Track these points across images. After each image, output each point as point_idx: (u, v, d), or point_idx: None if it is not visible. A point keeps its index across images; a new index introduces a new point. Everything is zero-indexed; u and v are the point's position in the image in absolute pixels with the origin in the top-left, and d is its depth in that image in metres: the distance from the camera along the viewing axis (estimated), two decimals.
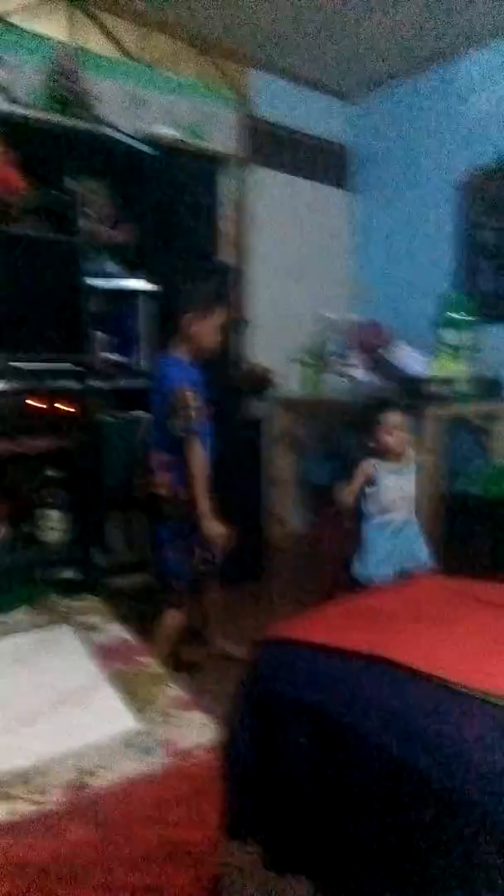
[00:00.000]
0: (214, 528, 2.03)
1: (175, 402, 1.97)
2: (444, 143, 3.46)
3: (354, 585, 2.25)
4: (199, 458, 2.00)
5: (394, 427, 2.32)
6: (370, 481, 2.37)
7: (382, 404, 2.43)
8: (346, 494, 2.38)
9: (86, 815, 0.82)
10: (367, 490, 2.37)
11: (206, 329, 2.06)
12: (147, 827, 0.88)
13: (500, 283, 3.27)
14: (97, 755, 0.87)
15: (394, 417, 2.33)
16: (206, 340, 2.08)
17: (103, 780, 0.84)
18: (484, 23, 3.09)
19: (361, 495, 2.38)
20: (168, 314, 2.13)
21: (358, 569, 2.33)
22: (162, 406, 2.03)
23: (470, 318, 3.03)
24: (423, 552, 2.34)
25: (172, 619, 2.12)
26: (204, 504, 2.01)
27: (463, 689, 1.19)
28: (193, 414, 1.97)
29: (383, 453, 2.35)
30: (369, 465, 2.37)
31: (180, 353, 2.09)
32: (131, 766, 0.86)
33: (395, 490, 2.35)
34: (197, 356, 2.10)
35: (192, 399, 1.97)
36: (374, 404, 2.45)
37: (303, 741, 1.31)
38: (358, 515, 2.41)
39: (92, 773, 0.84)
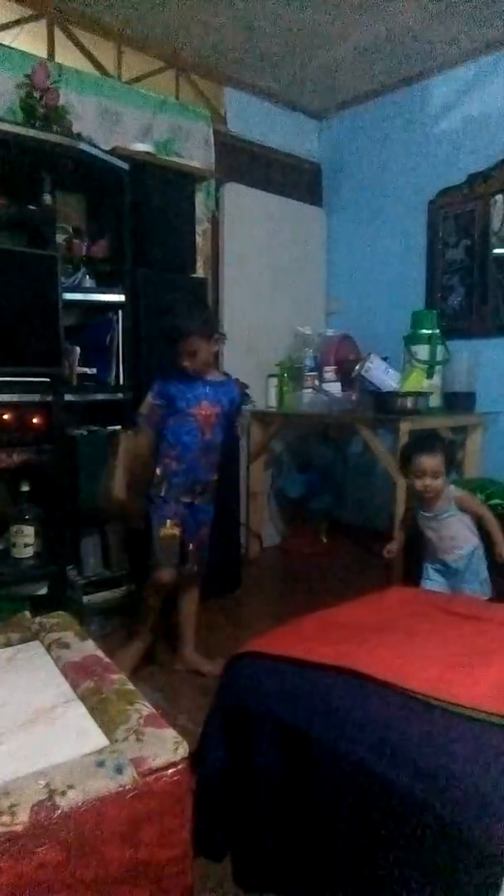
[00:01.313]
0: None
1: None
2: (414, 163, 3.55)
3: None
4: (128, 445, 2.30)
5: (422, 472, 2.20)
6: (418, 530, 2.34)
7: (414, 446, 2.29)
8: (387, 553, 2.42)
9: (55, 836, 0.82)
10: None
11: (207, 351, 2.22)
12: (117, 847, 0.87)
13: (469, 300, 3.35)
14: (67, 774, 0.87)
15: (422, 461, 2.20)
16: (204, 361, 2.22)
17: (73, 799, 0.83)
18: (451, 47, 3.19)
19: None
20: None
21: None
22: None
23: (440, 333, 3.09)
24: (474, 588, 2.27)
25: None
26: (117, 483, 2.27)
27: (431, 701, 1.22)
28: (142, 409, 2.25)
29: (421, 500, 2.28)
30: (405, 520, 2.42)
31: (171, 373, 2.26)
32: (102, 785, 0.86)
33: (436, 539, 2.30)
34: (190, 372, 2.22)
35: (148, 399, 2.25)
36: (406, 448, 2.36)
37: (274, 756, 1.31)
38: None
39: (62, 793, 0.84)
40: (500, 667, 1.33)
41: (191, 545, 2.27)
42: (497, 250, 3.23)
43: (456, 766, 1.05)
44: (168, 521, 2.20)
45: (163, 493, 2.21)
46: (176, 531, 2.21)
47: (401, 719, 1.19)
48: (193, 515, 2.27)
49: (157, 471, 2.23)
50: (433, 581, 2.35)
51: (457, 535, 2.28)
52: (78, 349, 2.65)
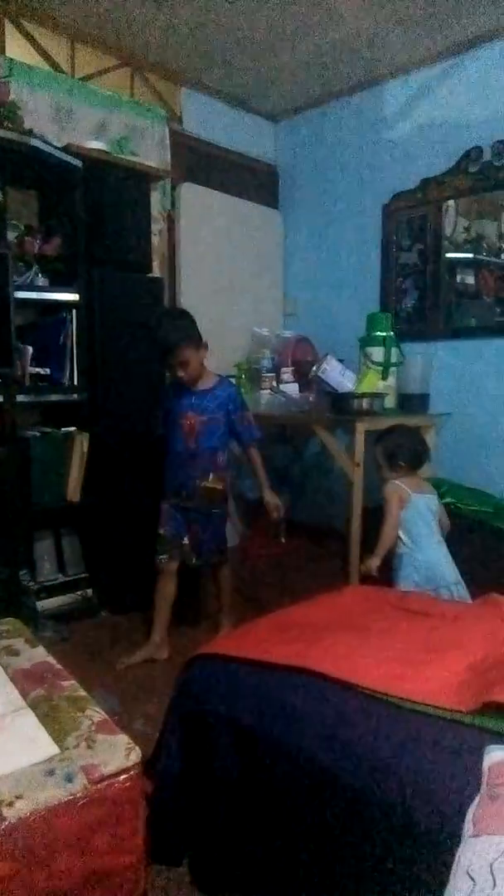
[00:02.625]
0: None
1: None
2: (369, 166, 3.60)
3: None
4: None
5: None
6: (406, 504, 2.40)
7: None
8: (364, 570, 2.40)
9: (4, 847, 0.80)
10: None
11: (197, 359, 2.36)
12: (69, 856, 0.86)
13: (422, 303, 3.41)
14: (15, 784, 0.85)
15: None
16: (195, 369, 2.36)
17: (21, 810, 0.82)
18: (405, 53, 3.24)
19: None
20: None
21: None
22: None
23: (394, 335, 3.14)
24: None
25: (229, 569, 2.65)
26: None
27: (384, 697, 1.23)
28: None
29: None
30: (400, 488, 2.41)
31: (173, 378, 2.42)
32: (51, 795, 0.84)
33: (428, 511, 2.41)
34: (185, 382, 2.38)
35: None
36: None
37: (230, 757, 1.31)
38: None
39: (9, 804, 0.82)
40: (451, 662, 1.36)
41: (185, 541, 2.45)
42: (449, 255, 3.30)
43: (409, 763, 1.06)
44: (161, 521, 2.45)
45: (164, 496, 2.47)
46: (163, 531, 2.44)
47: (355, 717, 1.21)
48: (184, 516, 2.45)
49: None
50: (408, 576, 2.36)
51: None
52: (30, 349, 2.60)
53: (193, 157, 3.62)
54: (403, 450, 2.48)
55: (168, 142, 3.43)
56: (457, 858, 0.67)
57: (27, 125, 2.62)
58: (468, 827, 0.72)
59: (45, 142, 2.57)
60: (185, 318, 2.44)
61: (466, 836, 0.70)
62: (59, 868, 0.84)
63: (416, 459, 2.49)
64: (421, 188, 3.36)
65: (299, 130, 3.95)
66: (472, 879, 0.59)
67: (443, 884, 0.68)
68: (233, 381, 2.47)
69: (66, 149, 2.68)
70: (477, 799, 0.77)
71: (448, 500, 2.85)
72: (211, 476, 2.42)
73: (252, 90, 3.66)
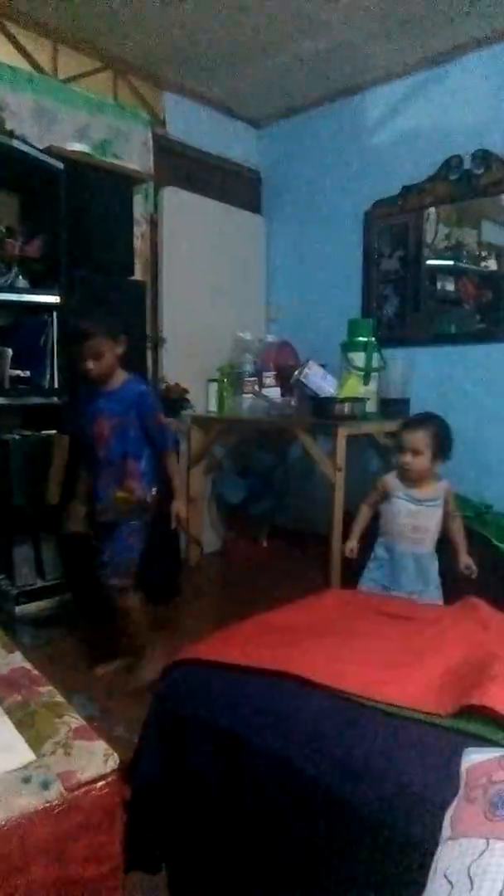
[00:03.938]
0: None
1: None
2: (351, 173, 3.63)
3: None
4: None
5: (404, 447, 2.22)
6: (386, 497, 2.30)
7: (412, 421, 2.30)
8: (350, 553, 2.36)
9: None
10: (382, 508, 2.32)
11: (113, 353, 2.12)
12: (45, 864, 0.85)
13: (403, 309, 3.44)
14: None
15: (404, 436, 2.23)
16: (109, 364, 2.13)
17: None
18: (385, 62, 3.28)
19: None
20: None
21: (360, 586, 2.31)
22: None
23: (375, 341, 3.16)
24: (424, 588, 2.24)
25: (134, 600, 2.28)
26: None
27: (365, 701, 1.23)
28: None
29: (406, 479, 2.26)
30: (387, 481, 2.31)
31: (81, 370, 2.17)
32: (27, 802, 0.83)
33: (408, 525, 2.26)
34: (94, 376, 2.14)
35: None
36: (406, 421, 2.36)
37: (210, 762, 1.30)
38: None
39: None
40: (432, 666, 1.37)
41: (102, 556, 2.22)
42: (430, 261, 3.33)
43: (388, 767, 1.07)
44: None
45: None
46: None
47: (336, 721, 1.21)
48: (105, 532, 2.23)
49: None
50: (372, 577, 2.32)
51: (431, 528, 2.26)
52: (10, 351, 2.57)
53: (176, 161, 3.62)
54: (451, 438, 2.29)
55: (151, 145, 3.43)
56: (434, 861, 0.67)
57: (8, 126, 2.61)
58: (446, 830, 0.72)
59: (27, 143, 2.55)
60: (105, 305, 2.28)
61: (444, 838, 0.71)
62: (36, 876, 0.83)
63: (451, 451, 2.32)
64: (402, 195, 3.39)
65: (282, 136, 3.97)
66: (450, 882, 0.59)
67: (421, 887, 0.68)
68: (144, 380, 2.26)
69: (47, 150, 2.67)
70: (455, 802, 0.77)
71: None
72: (124, 484, 2.17)
73: (235, 96, 3.68)
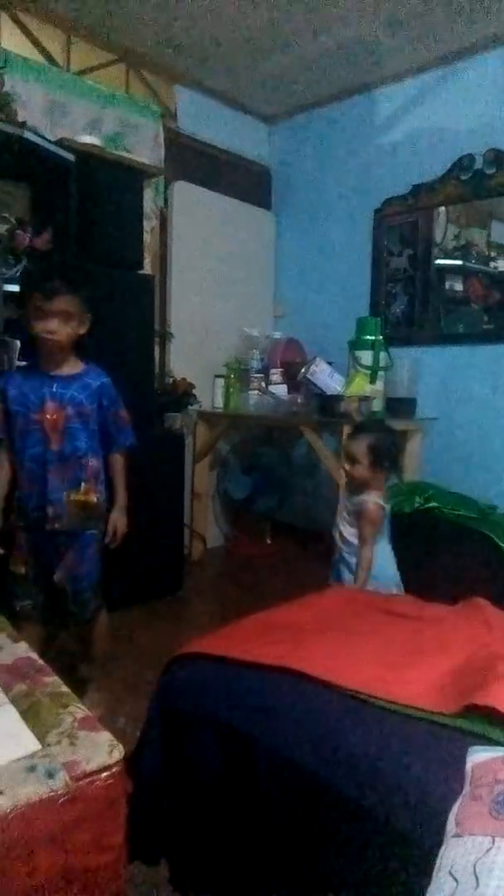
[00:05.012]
0: None
1: None
2: (361, 171, 3.62)
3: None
4: None
5: (349, 456, 2.20)
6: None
7: (355, 429, 2.27)
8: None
9: None
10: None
11: (77, 325, 1.84)
12: (48, 853, 0.85)
13: (411, 309, 3.44)
14: None
15: (351, 446, 2.20)
16: (69, 336, 1.83)
17: (2, 805, 0.80)
18: (398, 60, 3.27)
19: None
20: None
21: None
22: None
23: (383, 340, 3.15)
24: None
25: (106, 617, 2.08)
26: None
27: (368, 699, 1.24)
28: None
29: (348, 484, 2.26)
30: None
31: (32, 332, 1.86)
32: (32, 791, 0.83)
33: (339, 521, 2.29)
34: (48, 352, 1.86)
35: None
36: (352, 431, 2.31)
37: (212, 756, 1.31)
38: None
39: None
40: (436, 666, 1.37)
41: (57, 577, 1.92)
42: (439, 261, 3.32)
43: (392, 765, 1.07)
44: (13, 555, 1.91)
45: (17, 520, 1.90)
46: (21, 568, 1.90)
47: (338, 718, 1.21)
48: (52, 543, 1.91)
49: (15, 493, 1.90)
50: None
51: (347, 538, 2.24)
52: (18, 342, 2.57)
53: (187, 155, 3.62)
54: (392, 449, 2.25)
55: (162, 139, 3.42)
56: (439, 858, 0.68)
57: (20, 118, 2.60)
58: (451, 827, 0.72)
59: (39, 135, 2.55)
60: (82, 275, 2.00)
61: (449, 836, 0.71)
62: (39, 864, 0.83)
63: (396, 462, 2.33)
64: (412, 194, 3.38)
65: (294, 133, 3.96)
66: (455, 879, 0.60)
67: (424, 884, 0.68)
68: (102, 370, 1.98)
69: (59, 143, 2.66)
70: (460, 799, 0.77)
71: (433, 504, 2.86)
72: (82, 486, 1.89)
73: (248, 91, 3.67)
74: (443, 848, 0.69)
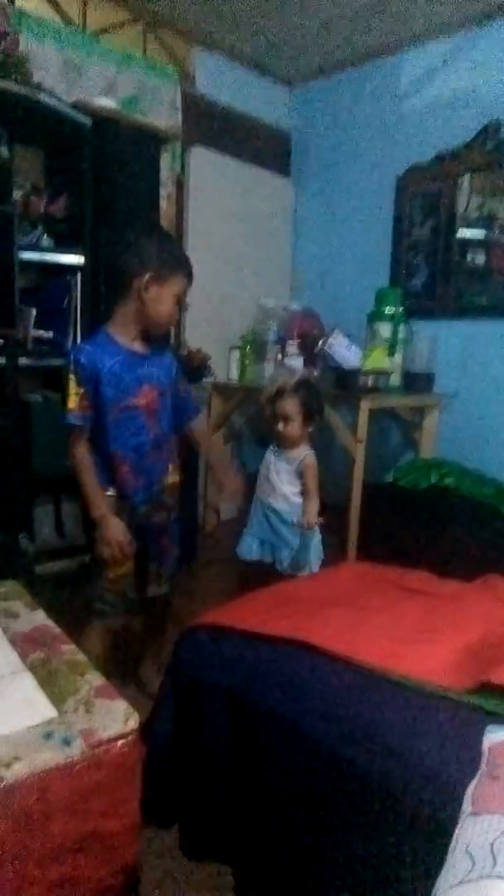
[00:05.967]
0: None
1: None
2: (384, 137, 3.51)
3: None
4: (74, 457, 1.71)
5: (284, 416, 2.21)
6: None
7: (281, 389, 2.24)
8: None
9: (1, 808, 0.80)
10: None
11: (162, 296, 1.68)
12: (65, 818, 0.86)
13: (432, 280, 3.36)
14: (14, 746, 0.85)
15: (284, 406, 2.20)
16: (161, 311, 1.70)
17: (19, 771, 0.82)
18: (424, 21, 3.14)
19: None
20: (109, 283, 1.79)
21: (236, 546, 2.38)
22: None
23: (403, 312, 3.10)
24: (292, 542, 2.25)
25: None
26: (92, 505, 1.72)
27: (382, 675, 1.24)
28: (70, 403, 1.65)
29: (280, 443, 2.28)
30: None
31: (114, 327, 1.73)
32: (49, 758, 0.84)
33: (268, 471, 2.29)
34: (145, 330, 1.74)
35: (73, 384, 1.65)
36: (273, 391, 2.26)
37: (224, 726, 1.32)
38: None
39: (8, 765, 0.82)
40: (450, 642, 1.37)
41: (151, 567, 1.88)
42: (462, 232, 3.24)
43: (405, 740, 1.07)
44: (114, 559, 1.76)
45: (123, 519, 1.76)
46: (129, 567, 1.79)
47: (352, 693, 1.21)
48: (153, 533, 1.86)
49: (107, 490, 1.75)
50: (252, 540, 2.34)
51: (277, 484, 2.27)
52: (34, 311, 2.56)
53: (205, 119, 3.53)
54: (320, 402, 2.28)
55: (179, 103, 3.33)
56: (455, 837, 0.67)
57: (35, 79, 2.54)
58: (467, 805, 0.72)
59: (54, 97, 2.49)
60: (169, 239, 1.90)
61: (465, 814, 0.71)
62: (55, 830, 0.85)
63: (322, 415, 2.33)
64: (436, 162, 3.28)
65: (314, 97, 3.85)
66: (472, 858, 0.59)
67: (439, 862, 0.68)
68: None
69: (75, 105, 2.60)
70: (476, 778, 0.77)
71: (449, 481, 2.84)
72: (169, 467, 1.86)
73: (268, 53, 3.55)
74: (459, 826, 0.69)
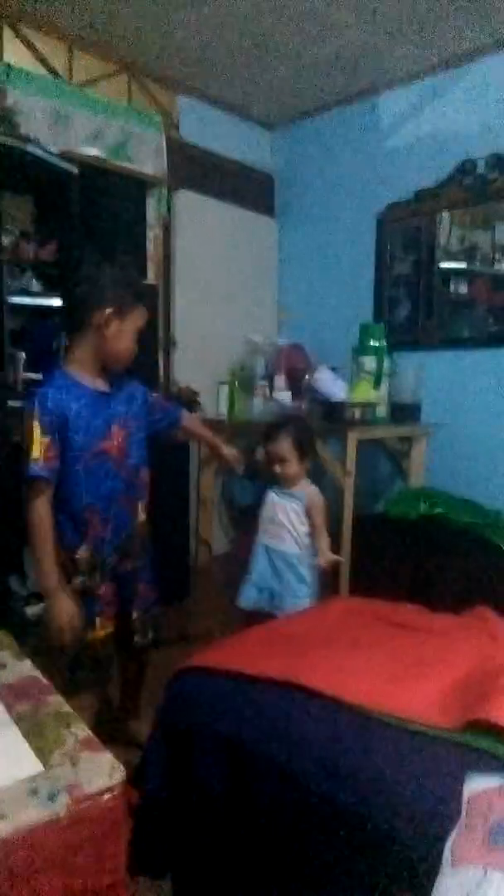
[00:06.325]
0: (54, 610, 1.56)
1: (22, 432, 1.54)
2: (364, 176, 3.61)
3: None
4: (33, 515, 1.54)
5: (278, 457, 2.19)
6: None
7: (272, 430, 2.23)
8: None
9: None
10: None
11: (123, 332, 1.59)
12: (51, 875, 0.86)
13: (415, 313, 3.43)
14: (1, 803, 0.85)
15: (276, 447, 2.18)
16: (121, 348, 1.61)
17: (4, 829, 0.81)
18: (400, 65, 3.26)
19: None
20: (70, 315, 1.61)
21: (238, 593, 2.29)
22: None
23: (387, 345, 3.15)
24: (298, 592, 2.20)
25: None
26: (43, 574, 1.56)
27: (370, 714, 1.24)
28: (34, 452, 1.49)
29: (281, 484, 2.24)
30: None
31: (73, 366, 1.61)
32: (34, 814, 0.84)
33: (272, 513, 2.25)
34: (104, 367, 1.63)
35: (38, 432, 1.50)
36: (266, 429, 2.27)
37: (215, 770, 1.31)
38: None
39: None
40: (437, 679, 1.37)
41: (135, 615, 1.78)
42: (443, 264, 3.31)
43: (394, 782, 1.07)
44: (97, 620, 1.65)
45: (93, 578, 1.65)
46: (108, 628, 1.68)
47: (341, 733, 1.21)
48: (129, 582, 1.75)
49: (76, 551, 1.62)
50: (251, 587, 2.28)
51: (286, 524, 2.22)
52: (23, 354, 2.60)
53: (190, 164, 3.62)
54: (311, 437, 2.26)
55: (165, 148, 3.43)
56: (434, 890, 0.68)
57: (24, 131, 2.63)
58: (446, 857, 0.72)
59: (42, 148, 2.57)
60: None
61: (445, 866, 0.71)
62: (42, 887, 0.84)
63: (315, 448, 2.31)
64: (415, 199, 3.37)
65: (296, 139, 3.97)
66: None
67: None
68: None
69: (62, 155, 2.68)
70: (456, 829, 0.77)
71: (439, 510, 2.86)
72: (139, 506, 1.75)
73: (250, 98, 3.67)
74: (438, 879, 0.69)
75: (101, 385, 1.64)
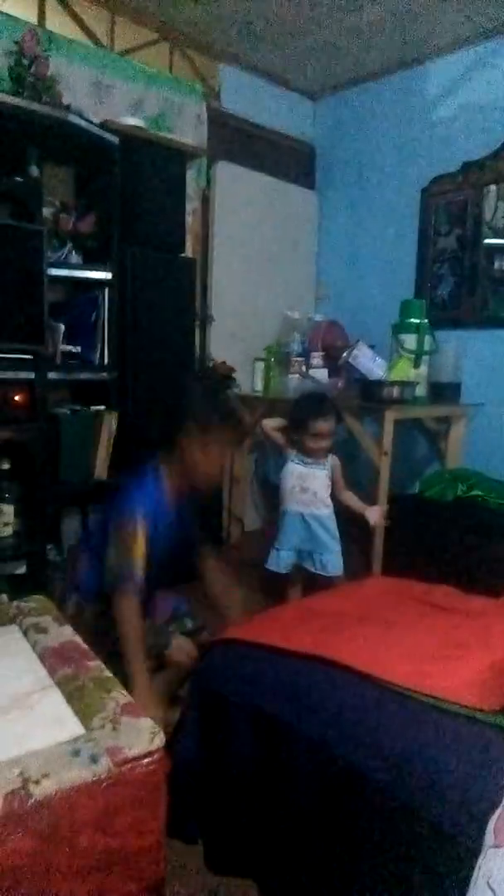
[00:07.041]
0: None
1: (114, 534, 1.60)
2: (409, 148, 3.51)
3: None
4: (127, 620, 1.56)
5: (320, 435, 2.38)
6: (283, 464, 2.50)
7: (314, 411, 2.40)
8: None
9: (28, 824, 0.82)
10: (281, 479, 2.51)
11: (210, 456, 1.67)
12: (91, 835, 0.88)
13: (458, 290, 3.34)
14: (42, 763, 0.87)
15: (323, 426, 2.37)
16: (209, 471, 1.70)
17: (47, 788, 0.83)
18: (448, 32, 3.14)
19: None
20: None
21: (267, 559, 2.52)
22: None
23: (428, 323, 3.08)
24: (333, 547, 2.44)
25: None
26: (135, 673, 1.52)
27: (407, 693, 1.23)
28: (137, 552, 1.57)
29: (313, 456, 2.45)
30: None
31: (166, 479, 1.71)
32: (76, 775, 0.86)
33: (302, 482, 2.45)
34: (183, 490, 1.72)
35: (140, 536, 1.57)
36: (305, 407, 2.43)
37: (248, 742, 1.33)
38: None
39: (36, 782, 0.83)
40: (475, 660, 1.35)
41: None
42: (488, 240, 3.21)
43: (430, 761, 1.06)
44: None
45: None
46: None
47: (376, 710, 1.21)
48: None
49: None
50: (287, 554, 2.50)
51: (318, 490, 2.45)
52: (62, 326, 2.61)
53: (230, 134, 3.57)
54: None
55: (205, 119, 3.38)
56: (477, 868, 0.67)
57: (65, 100, 2.60)
58: (489, 837, 0.71)
59: (83, 117, 2.55)
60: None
61: (487, 846, 0.70)
62: (81, 847, 0.86)
63: None
64: (462, 171, 3.27)
65: (338, 109, 3.86)
66: (493, 891, 0.59)
67: (461, 889, 0.68)
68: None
69: (103, 125, 2.66)
70: (499, 809, 0.76)
71: (476, 492, 2.82)
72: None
73: (291, 67, 3.58)
74: (481, 858, 0.68)
75: (179, 501, 1.73)
